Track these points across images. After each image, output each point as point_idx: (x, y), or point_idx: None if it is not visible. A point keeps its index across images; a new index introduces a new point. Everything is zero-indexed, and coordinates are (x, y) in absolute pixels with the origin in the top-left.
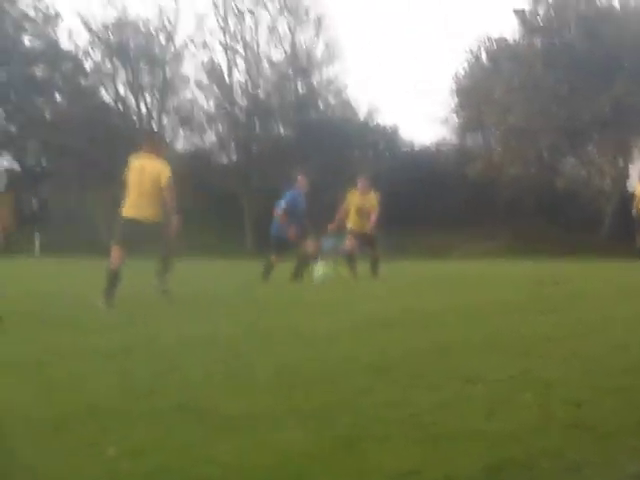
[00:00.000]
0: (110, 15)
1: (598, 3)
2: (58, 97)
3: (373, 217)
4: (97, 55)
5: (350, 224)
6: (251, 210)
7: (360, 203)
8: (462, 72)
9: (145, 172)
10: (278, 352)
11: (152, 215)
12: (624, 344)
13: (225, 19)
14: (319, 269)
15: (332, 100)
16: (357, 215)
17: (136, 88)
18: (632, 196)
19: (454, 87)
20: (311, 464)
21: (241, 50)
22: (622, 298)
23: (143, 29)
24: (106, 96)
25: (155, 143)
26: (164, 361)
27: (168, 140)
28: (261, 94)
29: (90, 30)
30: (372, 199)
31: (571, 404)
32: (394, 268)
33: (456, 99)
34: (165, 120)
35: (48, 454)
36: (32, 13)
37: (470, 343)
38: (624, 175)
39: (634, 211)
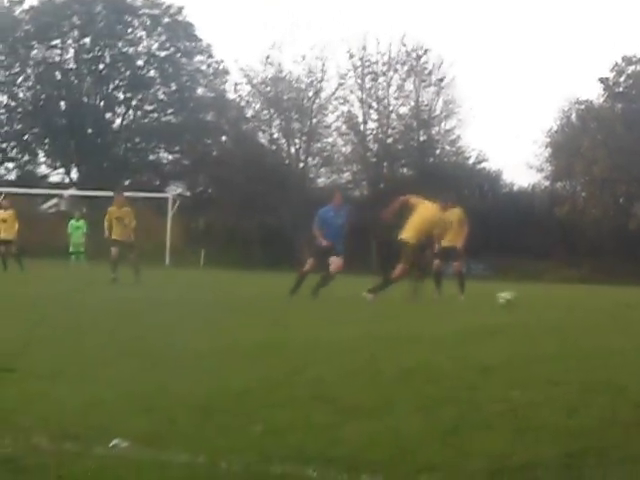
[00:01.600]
0: (268, 71)
1: None
2: (224, 138)
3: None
4: (257, 105)
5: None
6: (376, 236)
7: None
8: (555, 127)
9: None
10: (399, 353)
11: None
12: None
13: (362, 78)
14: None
15: (448, 147)
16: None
17: (287, 133)
18: None
19: (548, 140)
20: (423, 445)
21: (374, 104)
22: None
23: (295, 84)
24: (262, 139)
25: None
26: (299, 359)
27: (311, 176)
28: (389, 141)
29: (251, 84)
30: (453, 214)
31: (634, 406)
32: (494, 288)
33: (549, 150)
34: (310, 160)
35: (204, 431)
36: (204, 68)
37: (556, 352)
38: None
39: None
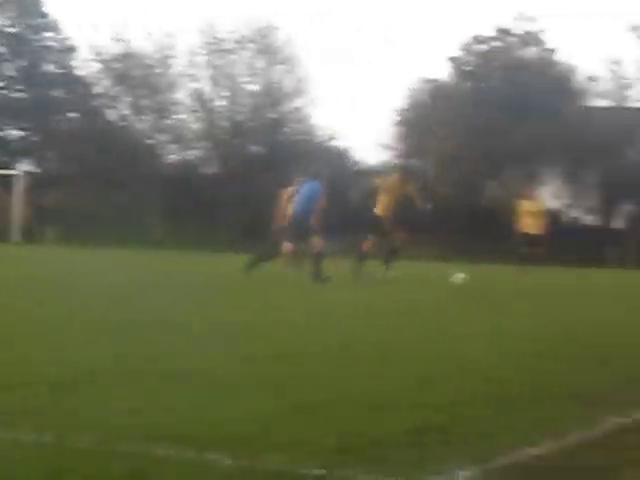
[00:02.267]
0: (118, 48)
1: (516, 54)
2: (73, 115)
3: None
4: (106, 81)
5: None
6: (227, 211)
7: None
8: (405, 106)
9: None
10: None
11: None
12: (530, 333)
13: (212, 55)
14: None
15: (298, 125)
16: None
17: (137, 110)
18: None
19: (398, 119)
20: (273, 423)
21: (224, 81)
22: (534, 296)
23: (144, 61)
24: (112, 116)
25: None
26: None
27: (161, 153)
28: (239, 118)
29: (101, 60)
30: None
31: (483, 380)
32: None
33: (399, 128)
34: (159, 137)
35: (54, 409)
36: (53, 44)
37: (418, 329)
38: None
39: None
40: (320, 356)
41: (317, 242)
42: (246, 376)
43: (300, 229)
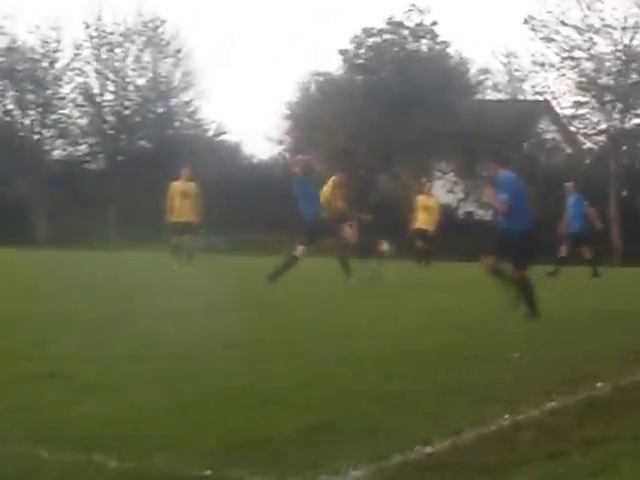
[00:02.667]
0: (1, 42)
1: (408, 47)
2: None
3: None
4: None
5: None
6: (113, 208)
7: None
8: (294, 100)
9: None
10: (137, 330)
11: None
12: (425, 328)
13: (98, 49)
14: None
15: (187, 119)
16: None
17: (21, 105)
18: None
19: (287, 112)
20: (159, 422)
21: (111, 75)
22: (423, 291)
23: (29, 55)
24: None
25: None
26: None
27: (47, 148)
28: (127, 113)
29: None
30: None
31: (380, 377)
32: (235, 262)
33: (289, 122)
34: (45, 132)
35: None
36: None
37: (303, 325)
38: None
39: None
40: (209, 353)
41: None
42: (134, 374)
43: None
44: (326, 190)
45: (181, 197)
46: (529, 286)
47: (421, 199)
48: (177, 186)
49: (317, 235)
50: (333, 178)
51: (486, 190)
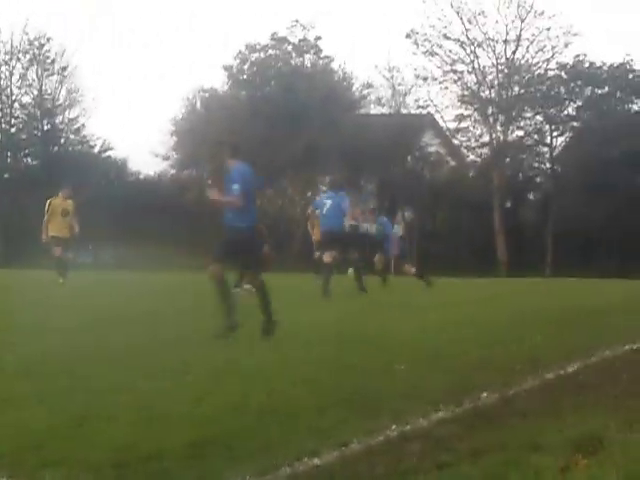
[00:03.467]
0: None
1: (293, 62)
2: None
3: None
4: None
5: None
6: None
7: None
8: (179, 116)
9: None
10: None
11: None
12: (311, 341)
13: None
14: None
15: (72, 136)
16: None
17: None
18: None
19: (173, 129)
20: (48, 438)
21: None
22: (306, 306)
23: None
24: None
25: None
26: None
27: None
28: (12, 130)
29: None
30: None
31: (265, 391)
32: (118, 277)
33: (175, 139)
34: None
35: None
36: None
37: (183, 338)
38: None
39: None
40: (93, 369)
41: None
42: (20, 391)
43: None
44: None
45: (61, 215)
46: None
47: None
48: (56, 204)
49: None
50: None
51: (209, 190)
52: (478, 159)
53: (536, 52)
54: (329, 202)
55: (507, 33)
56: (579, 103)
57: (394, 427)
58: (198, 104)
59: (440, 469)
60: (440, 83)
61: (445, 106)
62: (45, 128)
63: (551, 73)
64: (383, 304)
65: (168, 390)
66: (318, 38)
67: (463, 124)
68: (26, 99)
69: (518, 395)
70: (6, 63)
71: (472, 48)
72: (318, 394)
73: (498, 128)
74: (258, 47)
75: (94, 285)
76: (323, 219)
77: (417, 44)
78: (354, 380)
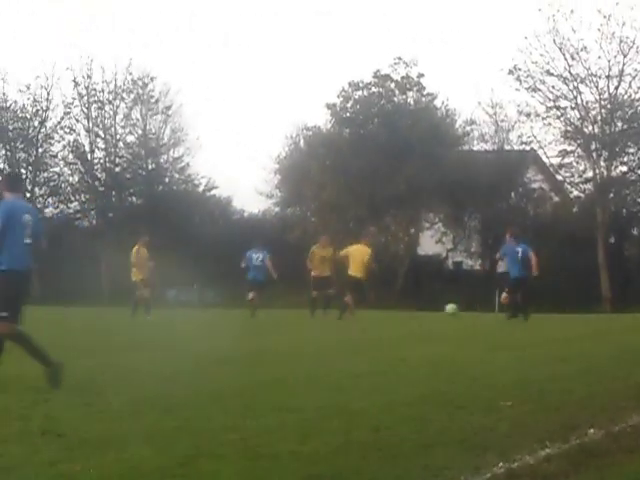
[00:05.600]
0: None
1: (395, 100)
2: None
3: None
4: None
5: None
6: (107, 264)
7: None
8: (283, 154)
9: None
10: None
11: None
12: (416, 379)
13: (88, 107)
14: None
15: (177, 175)
16: None
17: (12, 163)
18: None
19: (277, 166)
20: (156, 478)
21: (101, 133)
22: (414, 342)
23: (20, 114)
24: None
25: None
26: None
27: (39, 206)
28: (117, 169)
29: None
30: None
31: (371, 430)
32: (224, 315)
33: (278, 177)
34: (37, 190)
35: None
36: None
37: (291, 379)
38: (415, 242)
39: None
40: (205, 407)
41: None
42: (128, 430)
43: None
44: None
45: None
46: (24, 339)
47: (318, 251)
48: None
49: None
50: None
51: None
52: (582, 195)
53: (639, 87)
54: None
55: (610, 68)
56: None
57: (501, 464)
58: (301, 142)
59: None
60: (543, 119)
61: (548, 142)
62: (149, 167)
63: None
64: (488, 341)
65: (273, 429)
66: (421, 75)
67: (566, 160)
68: (130, 138)
69: (624, 431)
70: (110, 102)
71: (575, 84)
72: (424, 432)
73: (602, 164)
74: (361, 85)
75: (198, 324)
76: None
77: (520, 80)
78: (460, 417)
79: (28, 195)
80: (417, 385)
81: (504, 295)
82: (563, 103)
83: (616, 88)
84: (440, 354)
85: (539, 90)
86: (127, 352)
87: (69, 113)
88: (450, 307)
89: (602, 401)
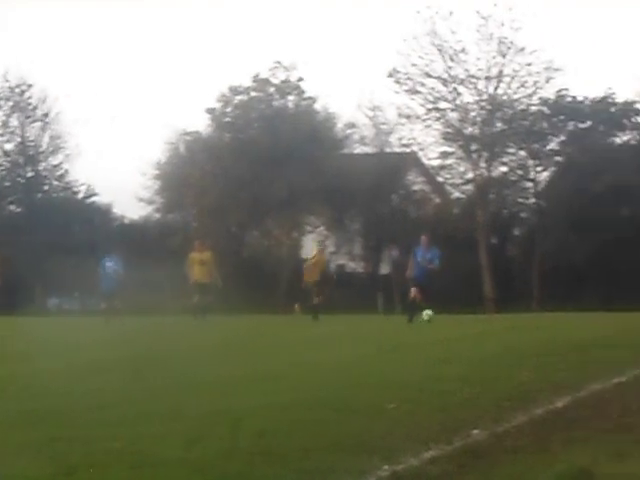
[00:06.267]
0: None
1: (276, 104)
2: None
3: None
4: None
5: None
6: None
7: None
8: (163, 160)
9: None
10: None
11: None
12: (300, 383)
13: None
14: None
15: (56, 182)
16: None
17: None
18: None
19: (157, 172)
20: None
21: None
22: (299, 346)
23: None
24: None
25: None
26: None
27: None
28: None
29: None
30: None
31: (256, 434)
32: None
33: (159, 182)
34: None
35: None
36: None
37: (175, 385)
38: (298, 246)
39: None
40: (82, 417)
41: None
42: (10, 442)
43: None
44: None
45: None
46: None
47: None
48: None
49: None
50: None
51: None
52: (463, 196)
53: (518, 88)
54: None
55: (489, 70)
56: (562, 138)
57: (386, 467)
58: (181, 148)
59: None
60: (423, 121)
61: (429, 144)
62: (28, 175)
63: (533, 108)
64: (372, 343)
65: (158, 435)
66: (300, 79)
67: (447, 161)
68: (9, 146)
69: (508, 432)
70: None
71: (454, 85)
72: (309, 436)
73: (482, 165)
74: (241, 89)
75: (74, 333)
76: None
77: (399, 83)
78: (345, 420)
79: None
80: (302, 389)
81: (413, 291)
82: (443, 105)
83: (495, 89)
84: (306, 358)
85: (419, 92)
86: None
87: None
88: (425, 313)
89: (485, 402)
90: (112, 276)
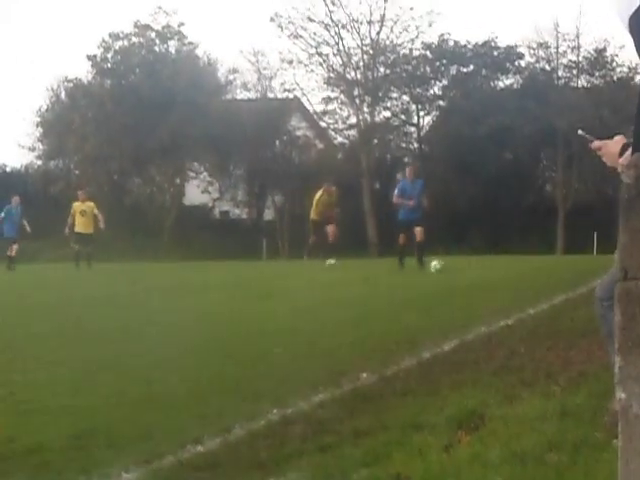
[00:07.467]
0: None
1: (157, 49)
2: None
3: None
4: None
5: None
6: None
7: None
8: (45, 107)
9: None
10: None
11: None
12: (187, 330)
13: None
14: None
15: None
16: None
17: None
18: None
19: (38, 119)
20: None
21: None
22: (185, 292)
23: None
24: None
25: None
26: None
27: None
28: None
29: None
30: None
31: (144, 382)
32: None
33: (40, 129)
34: None
35: None
36: None
37: (58, 332)
38: (181, 193)
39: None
40: None
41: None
42: None
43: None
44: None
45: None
46: None
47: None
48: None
49: None
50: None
51: None
52: (346, 141)
53: (400, 32)
54: None
55: (371, 14)
56: (445, 82)
57: (275, 411)
58: (63, 94)
59: (323, 451)
60: (306, 66)
61: (311, 89)
62: None
63: (416, 53)
64: (257, 289)
65: (42, 383)
66: (181, 24)
67: (330, 106)
68: None
69: (396, 375)
70: None
71: (336, 30)
72: (197, 382)
73: (365, 109)
74: (121, 35)
75: None
76: None
77: (281, 27)
78: (233, 366)
79: None
80: (188, 335)
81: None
82: (325, 50)
83: (378, 33)
84: (211, 303)
85: (301, 37)
86: None
87: None
88: (434, 264)
89: (373, 345)
90: (16, 221)
